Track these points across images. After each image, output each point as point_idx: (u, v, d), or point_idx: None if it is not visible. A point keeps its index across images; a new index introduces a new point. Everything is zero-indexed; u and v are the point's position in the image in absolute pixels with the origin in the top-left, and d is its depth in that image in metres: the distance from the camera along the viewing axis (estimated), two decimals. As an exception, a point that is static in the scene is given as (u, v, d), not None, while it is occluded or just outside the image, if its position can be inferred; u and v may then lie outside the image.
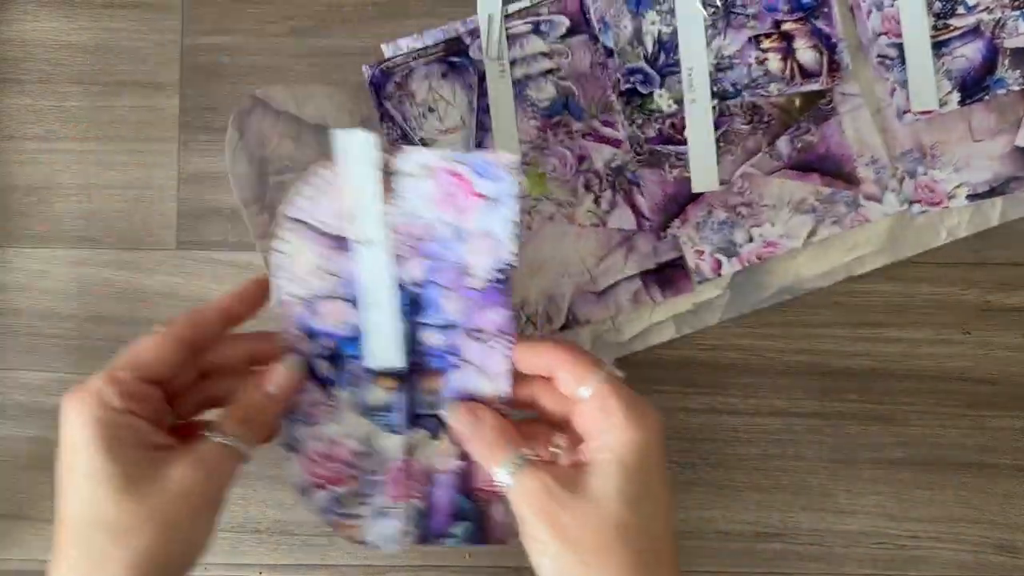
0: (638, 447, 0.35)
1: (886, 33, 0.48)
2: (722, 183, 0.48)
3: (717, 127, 0.48)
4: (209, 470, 0.35)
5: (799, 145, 0.49)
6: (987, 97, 0.48)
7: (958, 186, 0.48)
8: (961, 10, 0.48)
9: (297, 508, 0.49)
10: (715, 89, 0.48)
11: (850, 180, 0.48)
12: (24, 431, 0.50)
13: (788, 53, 0.48)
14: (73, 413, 0.34)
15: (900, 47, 0.48)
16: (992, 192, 0.48)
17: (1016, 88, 0.48)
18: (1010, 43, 0.48)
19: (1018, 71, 0.48)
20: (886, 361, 0.49)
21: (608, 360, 0.36)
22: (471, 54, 0.49)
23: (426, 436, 0.39)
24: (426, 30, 0.49)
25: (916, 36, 0.48)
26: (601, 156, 0.49)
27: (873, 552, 0.49)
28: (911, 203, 0.48)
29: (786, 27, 0.48)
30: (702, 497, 0.49)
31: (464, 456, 0.39)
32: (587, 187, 0.49)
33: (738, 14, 0.49)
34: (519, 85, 0.49)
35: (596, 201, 0.49)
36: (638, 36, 0.49)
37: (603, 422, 0.35)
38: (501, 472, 0.36)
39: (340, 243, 0.38)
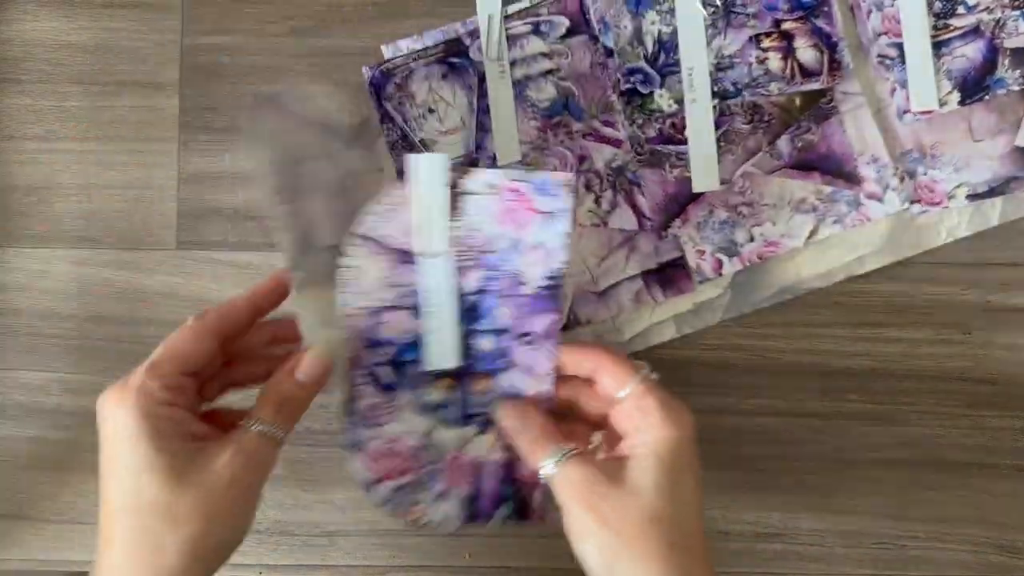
0: (673, 444, 0.37)
1: (886, 33, 0.48)
2: (723, 183, 0.48)
3: (718, 127, 0.48)
4: (250, 459, 0.37)
5: (800, 144, 0.48)
6: (987, 97, 0.48)
7: (958, 186, 0.48)
8: (961, 10, 0.48)
9: (297, 508, 0.50)
10: (715, 89, 0.48)
11: (851, 179, 0.48)
12: (24, 431, 0.50)
13: (788, 52, 0.48)
14: (117, 407, 0.36)
15: (900, 47, 0.48)
16: (992, 192, 0.48)
17: (1016, 88, 0.48)
18: (1010, 43, 0.48)
19: (1018, 71, 0.48)
20: (886, 361, 0.49)
21: (644, 363, 0.39)
22: (471, 55, 0.49)
23: (475, 431, 0.42)
24: (426, 31, 0.49)
25: (916, 36, 0.48)
26: (602, 156, 0.49)
27: (873, 552, 0.49)
28: (911, 203, 0.48)
29: (786, 26, 0.48)
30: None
31: (507, 448, 0.42)
32: (588, 187, 0.49)
33: (738, 13, 0.48)
34: (519, 86, 0.49)
35: (597, 201, 0.49)
36: (638, 36, 0.49)
37: (640, 420, 0.37)
38: (547, 465, 0.38)
39: (405, 256, 0.41)
